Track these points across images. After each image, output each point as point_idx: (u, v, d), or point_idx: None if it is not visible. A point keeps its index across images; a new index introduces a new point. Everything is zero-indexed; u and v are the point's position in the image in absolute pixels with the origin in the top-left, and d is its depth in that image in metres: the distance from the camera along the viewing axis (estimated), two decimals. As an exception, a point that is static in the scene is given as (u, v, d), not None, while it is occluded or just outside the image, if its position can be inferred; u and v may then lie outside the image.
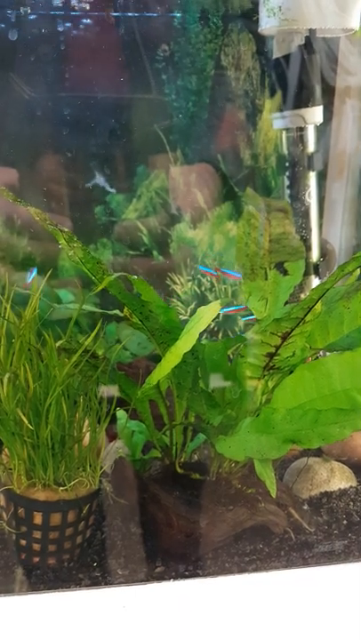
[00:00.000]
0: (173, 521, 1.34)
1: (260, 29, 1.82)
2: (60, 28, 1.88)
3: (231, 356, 1.49)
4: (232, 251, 2.08)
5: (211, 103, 2.05)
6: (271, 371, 1.34)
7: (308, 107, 1.86)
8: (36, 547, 1.32)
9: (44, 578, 1.30)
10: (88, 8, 1.88)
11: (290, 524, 1.44)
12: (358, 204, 2.23)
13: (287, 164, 1.93)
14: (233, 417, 1.37)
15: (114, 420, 1.58)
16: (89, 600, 1.21)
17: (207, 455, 1.54)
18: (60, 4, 1.87)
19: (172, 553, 1.35)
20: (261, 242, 1.33)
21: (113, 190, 2.02)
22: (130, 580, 1.30)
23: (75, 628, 1.15)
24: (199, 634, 1.17)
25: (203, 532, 1.34)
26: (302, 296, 1.89)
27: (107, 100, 1.98)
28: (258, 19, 1.82)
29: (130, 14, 1.93)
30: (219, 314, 1.67)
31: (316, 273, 1.97)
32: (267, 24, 1.77)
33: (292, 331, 1.25)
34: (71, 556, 1.36)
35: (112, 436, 1.67)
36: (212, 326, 2.09)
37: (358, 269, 1.39)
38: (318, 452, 1.70)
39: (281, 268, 1.41)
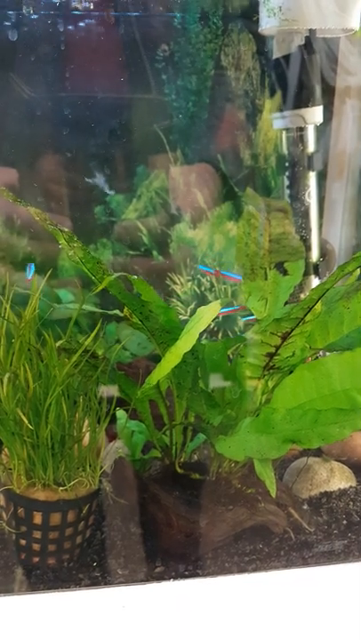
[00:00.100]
0: (173, 521, 1.34)
1: (260, 29, 1.82)
2: (59, 28, 1.88)
3: (231, 356, 1.49)
4: (232, 251, 2.08)
5: (211, 103, 2.05)
6: (271, 371, 1.34)
7: (308, 107, 1.86)
8: (36, 547, 1.32)
9: (44, 578, 1.30)
10: (88, 8, 1.88)
11: (290, 524, 1.44)
12: (358, 204, 2.23)
13: (287, 164, 1.93)
14: (233, 417, 1.37)
15: (114, 419, 1.59)
16: (89, 600, 1.21)
17: (207, 455, 1.54)
18: (60, 4, 1.87)
19: (171, 553, 1.35)
20: (261, 242, 1.33)
21: (111, 192, 2.02)
22: (130, 579, 1.30)
23: (74, 628, 1.15)
24: (199, 634, 1.17)
25: (202, 531, 1.34)
26: (302, 296, 1.89)
27: (107, 100, 1.98)
28: (258, 19, 1.82)
29: (130, 14, 1.93)
30: (218, 314, 1.67)
31: (316, 273, 1.97)
32: (267, 24, 1.77)
33: (291, 331, 1.25)
34: (71, 555, 1.36)
35: (112, 436, 1.67)
36: (211, 326, 2.09)
37: (358, 269, 1.39)
38: (318, 452, 1.70)
39: (281, 268, 1.41)
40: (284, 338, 1.26)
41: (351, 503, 1.55)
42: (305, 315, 1.22)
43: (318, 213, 1.99)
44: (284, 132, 1.92)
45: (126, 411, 1.45)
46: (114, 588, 1.26)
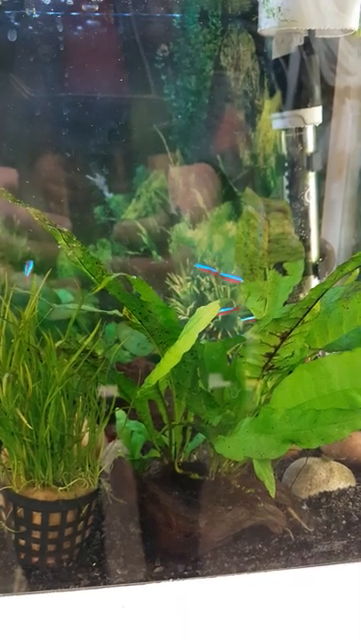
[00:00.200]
0: (172, 521, 1.34)
1: (259, 30, 1.82)
2: (58, 29, 1.89)
3: (230, 356, 1.49)
4: (231, 251, 2.08)
5: (210, 103, 2.05)
6: (270, 371, 1.34)
7: (307, 107, 1.86)
8: (36, 546, 1.32)
9: (43, 578, 1.30)
10: (87, 9, 1.89)
11: (289, 524, 1.44)
12: (357, 204, 2.23)
13: (286, 165, 1.93)
14: (232, 417, 1.37)
15: (113, 419, 1.59)
16: (88, 600, 1.21)
17: (206, 455, 1.54)
18: (60, 5, 1.87)
19: (171, 553, 1.35)
20: (261, 242, 1.33)
21: (110, 195, 2.02)
22: (129, 579, 1.30)
23: (74, 628, 1.15)
24: (198, 634, 1.17)
25: (202, 531, 1.34)
26: (301, 296, 1.89)
27: (106, 100, 1.99)
28: (257, 19, 1.82)
29: (129, 15, 1.93)
30: (218, 314, 1.67)
31: (316, 273, 1.97)
32: (266, 24, 1.77)
33: (291, 331, 1.25)
34: (70, 555, 1.36)
35: (111, 436, 1.67)
36: (211, 326, 2.09)
37: (357, 269, 1.39)
38: (317, 452, 1.70)
39: (280, 268, 1.41)
40: (284, 338, 1.26)
41: (350, 503, 1.56)
42: (304, 315, 1.22)
43: (317, 213, 1.99)
44: (283, 133, 1.92)
45: (125, 411, 1.45)
46: (113, 588, 1.26)
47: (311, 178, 1.93)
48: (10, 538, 1.34)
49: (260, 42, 2.00)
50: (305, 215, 1.94)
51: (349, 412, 1.24)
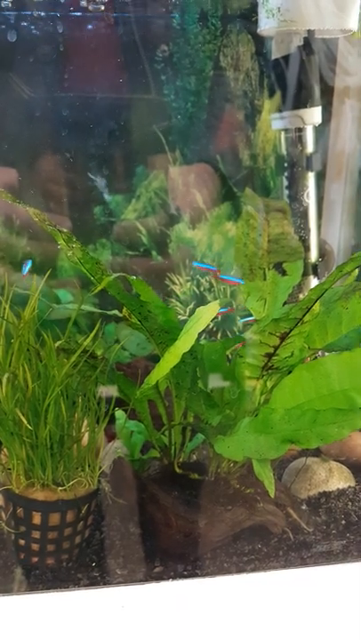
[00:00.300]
0: (172, 521, 1.34)
1: (259, 30, 1.82)
2: (58, 29, 1.89)
3: (230, 357, 1.49)
4: (231, 251, 2.08)
5: (210, 104, 2.05)
6: (270, 371, 1.35)
7: (306, 107, 1.87)
8: (35, 547, 1.32)
9: (43, 578, 1.30)
10: (89, 8, 1.89)
11: (288, 524, 1.44)
12: (357, 205, 2.23)
13: (286, 165, 1.93)
14: (232, 417, 1.38)
15: (113, 420, 1.59)
16: (88, 600, 1.21)
17: (206, 455, 1.54)
18: (60, 5, 1.87)
19: (170, 553, 1.35)
20: (260, 242, 1.33)
21: (109, 198, 2.03)
22: (128, 579, 1.30)
23: (73, 628, 1.15)
24: (198, 634, 1.17)
25: (201, 531, 1.34)
26: (301, 296, 1.89)
27: (106, 100, 1.99)
28: (257, 20, 1.82)
29: (129, 15, 1.93)
30: (218, 314, 1.67)
31: (315, 273, 1.97)
32: (266, 25, 1.77)
33: (290, 331, 1.25)
34: (70, 555, 1.36)
35: (111, 436, 1.67)
36: (210, 326, 2.09)
37: (356, 270, 1.39)
38: (317, 452, 1.70)
39: (280, 268, 1.41)
40: (283, 338, 1.26)
41: (350, 503, 1.56)
42: (303, 315, 1.22)
43: (317, 214, 1.99)
44: (282, 133, 1.93)
45: (125, 411, 1.46)
46: (113, 587, 1.26)
47: (311, 178, 1.93)
48: (9, 538, 1.34)
49: (259, 42, 2.01)
50: (304, 215, 1.94)
51: (349, 412, 1.24)
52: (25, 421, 1.26)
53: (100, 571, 1.33)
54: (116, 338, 1.94)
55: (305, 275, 1.96)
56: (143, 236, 2.08)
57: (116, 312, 1.43)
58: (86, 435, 1.36)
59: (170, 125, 2.04)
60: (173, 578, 1.29)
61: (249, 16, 1.95)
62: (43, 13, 1.87)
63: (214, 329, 2.09)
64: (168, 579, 1.29)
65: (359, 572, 1.30)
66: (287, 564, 1.35)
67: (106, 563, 1.35)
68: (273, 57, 1.90)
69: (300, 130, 1.89)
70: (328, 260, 2.08)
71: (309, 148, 1.91)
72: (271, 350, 1.29)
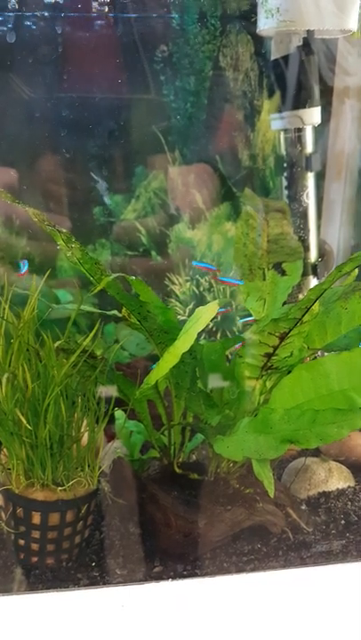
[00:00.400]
0: (172, 521, 1.34)
1: (258, 30, 1.82)
2: (57, 30, 1.89)
3: (229, 357, 1.49)
4: (230, 251, 2.08)
5: (209, 104, 2.05)
6: (269, 371, 1.35)
7: (306, 107, 1.87)
8: (35, 546, 1.33)
9: (43, 577, 1.30)
10: (87, 9, 1.89)
11: (288, 524, 1.44)
12: (356, 205, 2.23)
13: (285, 165, 1.93)
14: (231, 417, 1.38)
15: (112, 420, 1.59)
16: (87, 600, 1.21)
17: (205, 455, 1.54)
18: (59, 5, 1.87)
19: (170, 553, 1.36)
20: (260, 242, 1.34)
21: (110, 202, 2.03)
22: (128, 579, 1.30)
23: (73, 628, 1.15)
24: (198, 633, 1.17)
25: (201, 531, 1.34)
26: (300, 296, 1.89)
27: (105, 100, 1.99)
28: (256, 20, 1.82)
29: (128, 15, 1.93)
30: (217, 314, 1.67)
31: (315, 273, 1.97)
32: (265, 25, 1.77)
33: (290, 331, 1.25)
34: (70, 555, 1.36)
35: (110, 436, 1.67)
36: (210, 326, 2.09)
37: (356, 270, 1.39)
38: (316, 452, 1.71)
39: (279, 268, 1.41)
40: (282, 338, 1.27)
41: (349, 503, 1.56)
42: (303, 315, 1.22)
43: (317, 214, 1.99)
44: (282, 133, 1.93)
45: (125, 411, 1.46)
46: (112, 587, 1.26)
47: (310, 178, 1.93)
48: (9, 538, 1.34)
49: (259, 42, 2.01)
50: (304, 215, 1.94)
51: (348, 412, 1.24)
52: (24, 421, 1.26)
53: (99, 570, 1.33)
54: (116, 338, 1.94)
55: (304, 275, 1.96)
56: (143, 237, 2.08)
57: (115, 312, 1.43)
58: (86, 435, 1.37)
59: (169, 125, 2.04)
60: (173, 578, 1.29)
61: (248, 16, 1.95)
62: (42, 14, 1.87)
63: (214, 329, 2.09)
64: (168, 578, 1.29)
65: (359, 571, 1.31)
66: (287, 563, 1.35)
67: (105, 562, 1.35)
68: (272, 57, 1.90)
69: (299, 130, 1.89)
70: (328, 260, 2.08)
71: (309, 148, 1.91)
72: (271, 350, 1.29)
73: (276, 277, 1.41)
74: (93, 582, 1.29)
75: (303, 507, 1.54)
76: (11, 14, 1.86)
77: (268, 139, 2.08)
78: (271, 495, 1.26)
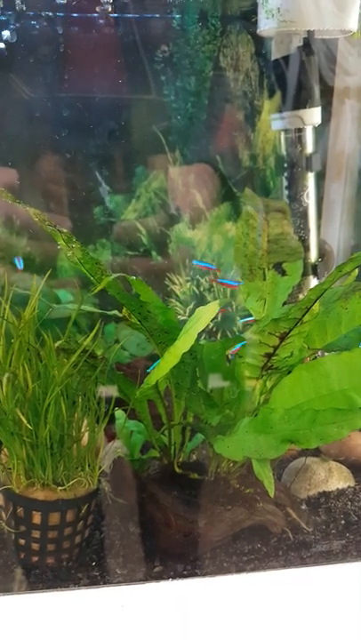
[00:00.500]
0: (172, 521, 1.34)
1: (258, 31, 1.82)
2: (58, 30, 1.89)
3: (229, 357, 1.49)
4: (230, 251, 2.08)
5: (209, 104, 2.05)
6: (269, 371, 1.35)
7: (306, 108, 1.87)
8: (35, 546, 1.33)
9: (43, 577, 1.30)
10: (87, 9, 1.89)
11: (288, 524, 1.44)
12: (356, 205, 2.24)
13: (286, 165, 1.93)
14: (231, 417, 1.38)
15: (112, 419, 1.59)
16: (88, 599, 1.21)
17: (205, 455, 1.54)
18: (59, 6, 1.87)
19: (170, 552, 1.36)
20: (260, 242, 1.34)
21: (109, 205, 2.03)
22: (128, 579, 1.30)
23: (73, 628, 1.15)
24: (198, 633, 1.17)
25: (201, 531, 1.34)
26: (301, 296, 1.89)
27: (106, 100, 1.99)
28: (257, 20, 1.82)
29: (129, 15, 1.93)
30: (217, 314, 1.67)
31: (315, 273, 1.98)
32: (265, 25, 1.77)
33: (290, 331, 1.25)
34: (70, 555, 1.36)
35: (111, 436, 1.67)
36: (210, 327, 2.09)
37: (356, 270, 1.39)
38: (316, 452, 1.71)
39: (279, 268, 1.42)
40: (283, 338, 1.27)
41: (349, 503, 1.56)
42: (303, 315, 1.22)
43: (317, 214, 1.99)
44: (282, 133, 1.93)
45: (125, 411, 1.46)
46: (113, 587, 1.26)
47: (310, 178, 1.93)
48: (10, 537, 1.34)
49: (259, 43, 2.01)
50: (304, 216, 1.94)
51: (348, 412, 1.25)
52: (25, 421, 1.26)
53: (99, 570, 1.33)
54: (116, 338, 1.94)
55: (305, 275, 1.96)
56: (143, 237, 2.08)
57: (115, 312, 1.43)
58: (86, 434, 1.37)
59: (170, 126, 2.04)
60: (173, 577, 1.29)
61: (249, 17, 1.95)
62: (43, 14, 1.87)
63: (214, 329, 2.09)
64: (168, 578, 1.29)
65: (359, 571, 1.31)
66: (287, 563, 1.36)
67: (106, 562, 1.35)
68: (273, 57, 1.90)
69: (299, 130, 1.89)
70: (328, 261, 2.08)
71: (309, 148, 1.91)
72: (271, 350, 1.29)
73: (277, 277, 1.41)
74: (94, 582, 1.29)
75: (303, 506, 1.54)
76: (11, 14, 1.86)
77: (268, 139, 2.08)
78: (271, 495, 1.26)
